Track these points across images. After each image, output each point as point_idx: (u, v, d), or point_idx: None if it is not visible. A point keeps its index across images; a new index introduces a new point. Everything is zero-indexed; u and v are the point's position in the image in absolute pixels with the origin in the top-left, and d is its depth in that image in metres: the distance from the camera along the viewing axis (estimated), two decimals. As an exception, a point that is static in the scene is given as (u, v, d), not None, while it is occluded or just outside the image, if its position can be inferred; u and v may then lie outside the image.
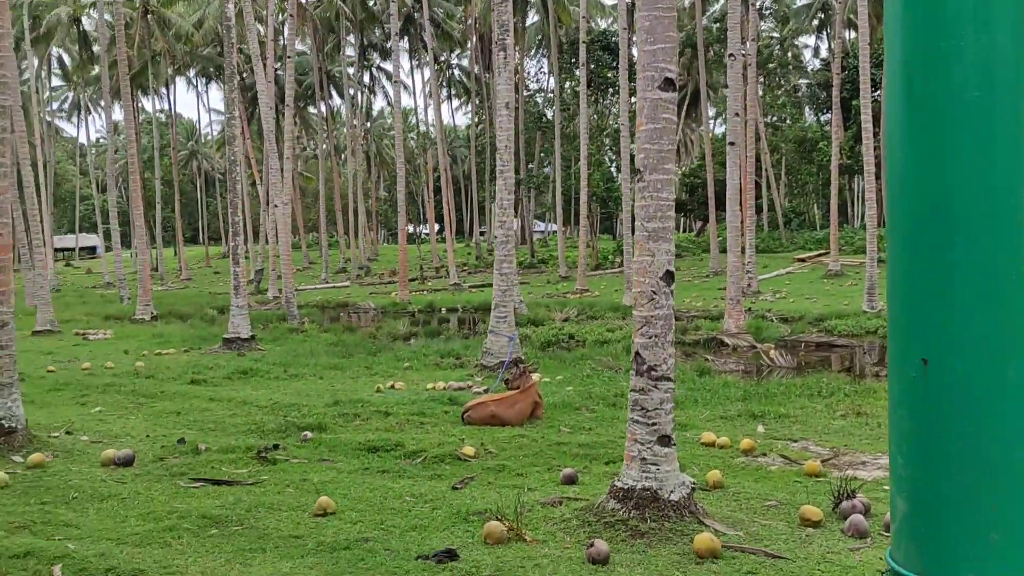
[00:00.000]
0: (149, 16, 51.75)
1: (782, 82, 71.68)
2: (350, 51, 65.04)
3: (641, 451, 6.07)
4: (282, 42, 51.39)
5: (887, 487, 7.23)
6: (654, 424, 6.07)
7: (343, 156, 76.85)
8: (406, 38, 63.90)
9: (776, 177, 70.11)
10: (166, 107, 79.08)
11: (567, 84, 49.66)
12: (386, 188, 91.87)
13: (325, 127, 67.73)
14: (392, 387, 13.12)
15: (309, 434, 9.30)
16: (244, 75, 54.68)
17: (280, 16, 49.41)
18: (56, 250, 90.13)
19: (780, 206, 52.34)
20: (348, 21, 57.55)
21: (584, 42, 36.47)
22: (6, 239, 8.42)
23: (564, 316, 25.41)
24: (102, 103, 76.21)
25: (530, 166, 57.18)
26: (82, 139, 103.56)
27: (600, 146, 51.47)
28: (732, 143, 18.80)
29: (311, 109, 72.78)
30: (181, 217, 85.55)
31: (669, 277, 6.08)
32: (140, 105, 73.97)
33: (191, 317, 26.44)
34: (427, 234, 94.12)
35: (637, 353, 6.14)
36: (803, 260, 42.47)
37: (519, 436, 9.37)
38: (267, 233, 39.32)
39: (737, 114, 18.84)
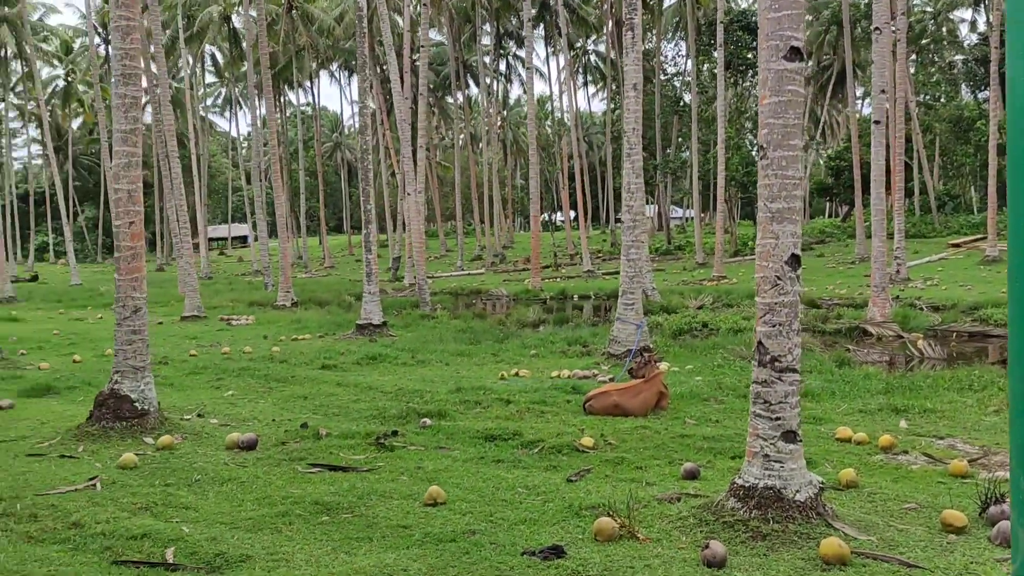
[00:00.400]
0: (294, 12, 53.37)
1: (936, 59, 67.94)
2: (486, 40, 65.39)
3: (764, 447, 5.68)
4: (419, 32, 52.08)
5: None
6: (778, 419, 5.67)
7: (480, 145, 77.60)
8: (541, 25, 63.83)
9: (929, 159, 66.71)
10: (312, 100, 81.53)
11: (705, 66, 48.42)
12: (522, 176, 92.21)
13: (462, 116, 68.46)
14: (516, 375, 13.00)
15: (428, 421, 9.24)
16: (384, 66, 55.75)
17: (416, 7, 50.05)
18: (211, 239, 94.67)
19: (932, 189, 49.60)
20: (484, 10, 57.84)
21: (722, 22, 35.42)
22: (138, 227, 8.68)
23: (698, 303, 24.78)
24: (261, 96, 79.50)
25: (668, 151, 56.15)
26: (234, 133, 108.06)
27: (739, 129, 50.02)
28: (877, 122, 17.78)
29: (449, 99, 73.53)
30: (325, 207, 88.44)
31: (795, 261, 5.66)
32: (287, 99, 76.64)
33: (329, 303, 27.10)
34: (563, 221, 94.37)
35: (760, 343, 5.75)
36: (957, 245, 40.22)
37: (641, 427, 9.06)
38: (404, 221, 39.99)
39: (883, 91, 17.78)
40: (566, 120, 58.07)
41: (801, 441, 5.78)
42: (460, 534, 5.69)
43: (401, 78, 29.98)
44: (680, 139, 58.61)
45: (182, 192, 23.89)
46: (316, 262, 63.88)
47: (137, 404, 8.65)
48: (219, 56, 68.50)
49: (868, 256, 38.90)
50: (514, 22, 64.28)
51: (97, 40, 63.62)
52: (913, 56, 65.94)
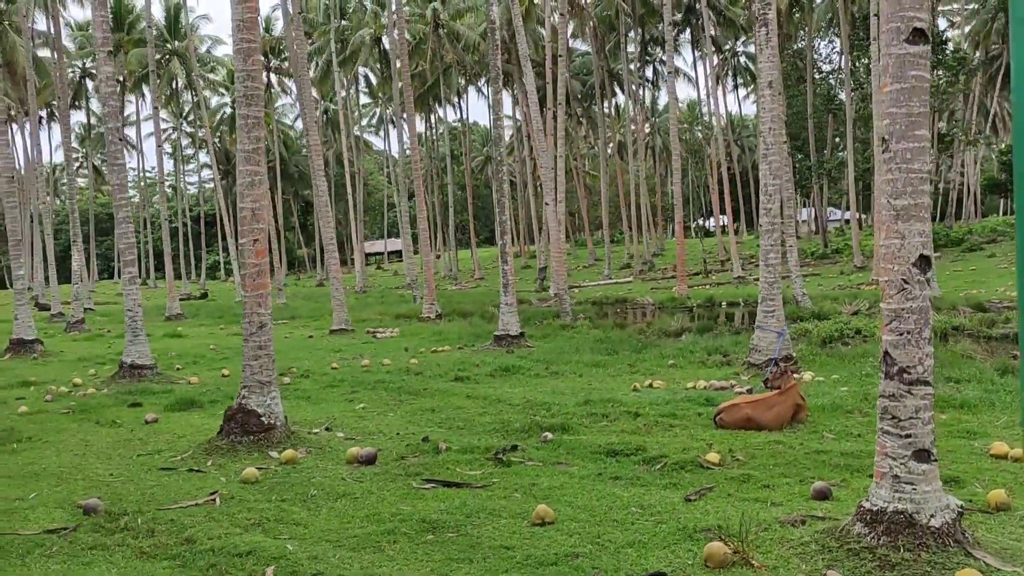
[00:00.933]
0: (440, 30, 54.46)
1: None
2: (633, 48, 64.79)
3: (893, 467, 5.19)
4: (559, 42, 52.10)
5: None
6: (908, 436, 5.16)
7: (627, 152, 76.94)
8: (688, 30, 62.80)
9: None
10: (460, 115, 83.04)
11: (861, 62, 46.35)
12: (673, 182, 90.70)
13: (608, 125, 68.10)
14: (650, 385, 12.62)
15: (550, 435, 9.03)
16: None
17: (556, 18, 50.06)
18: (368, 254, 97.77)
19: None
20: (628, 17, 57.34)
21: (875, 15, 33.73)
22: (262, 243, 8.85)
23: (853, 309, 23.60)
24: (404, 116, 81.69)
25: (823, 152, 54.05)
26: (392, 151, 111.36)
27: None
28: None
29: (596, 108, 73.21)
30: (476, 219, 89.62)
31: (924, 263, 5.15)
32: (437, 116, 78.33)
33: (472, 315, 27.31)
34: (715, 227, 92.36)
35: (886, 352, 5.26)
36: None
37: (774, 442, 8.56)
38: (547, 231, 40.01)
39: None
40: (714, 124, 56.77)
41: (936, 460, 5.25)
42: (563, 557, 5.44)
43: (547, 89, 30.01)
44: (837, 139, 56.37)
45: (329, 209, 24.59)
46: (467, 274, 64.85)
47: (264, 418, 8.81)
48: (372, 77, 70.66)
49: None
50: (660, 28, 63.46)
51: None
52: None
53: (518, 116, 64.62)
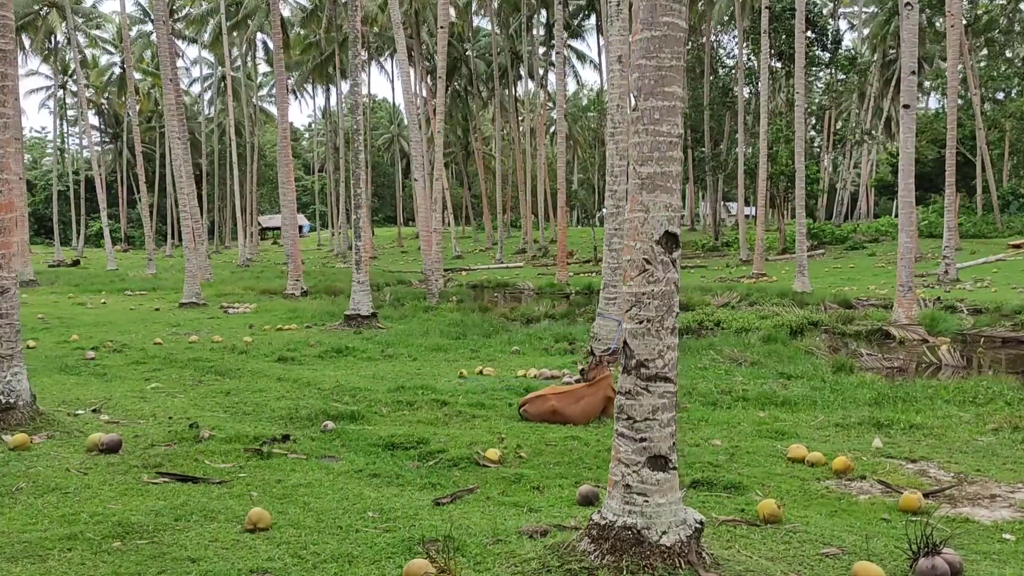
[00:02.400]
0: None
1: (1007, 53, 64.70)
2: (539, 31, 63.99)
3: (625, 475, 4.51)
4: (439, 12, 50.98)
5: (1008, 535, 5.28)
6: (643, 440, 4.48)
7: (535, 137, 76.22)
8: (593, 15, 62.31)
9: (999, 157, 63.64)
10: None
11: (754, 56, 46.58)
12: (581, 170, 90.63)
13: (517, 109, 67.35)
14: (480, 372, 11.90)
15: (331, 424, 8.19)
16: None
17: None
18: (265, 229, 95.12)
19: (993, 187, 47.12)
20: (531, -2, 56.56)
21: (767, 7, 33.71)
22: (6, 197, 7.77)
23: (723, 301, 23.36)
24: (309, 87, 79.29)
25: (720, 146, 54.26)
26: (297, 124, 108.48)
27: (791, 122, 48.05)
28: (907, 106, 16.21)
29: (508, 92, 72.26)
30: (379, 197, 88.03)
31: (670, 241, 4.47)
32: (339, 88, 76.32)
33: (340, 293, 26.22)
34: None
35: (624, 343, 4.57)
36: (1018, 246, 37.96)
37: (571, 438, 7.90)
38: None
39: (913, 72, 16.19)
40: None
41: (675, 468, 4.59)
42: (248, 572, 4.62)
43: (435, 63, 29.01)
44: (735, 133, 56.65)
45: (187, 178, 23.23)
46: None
47: (1, 397, 7.73)
48: (270, 44, 68.33)
49: (921, 255, 37.05)
50: (569, 10, 62.84)
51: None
52: (984, 51, 62.98)
53: (362, 86, 63.27)
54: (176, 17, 63.53)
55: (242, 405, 9.47)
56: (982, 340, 15.74)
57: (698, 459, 7.13)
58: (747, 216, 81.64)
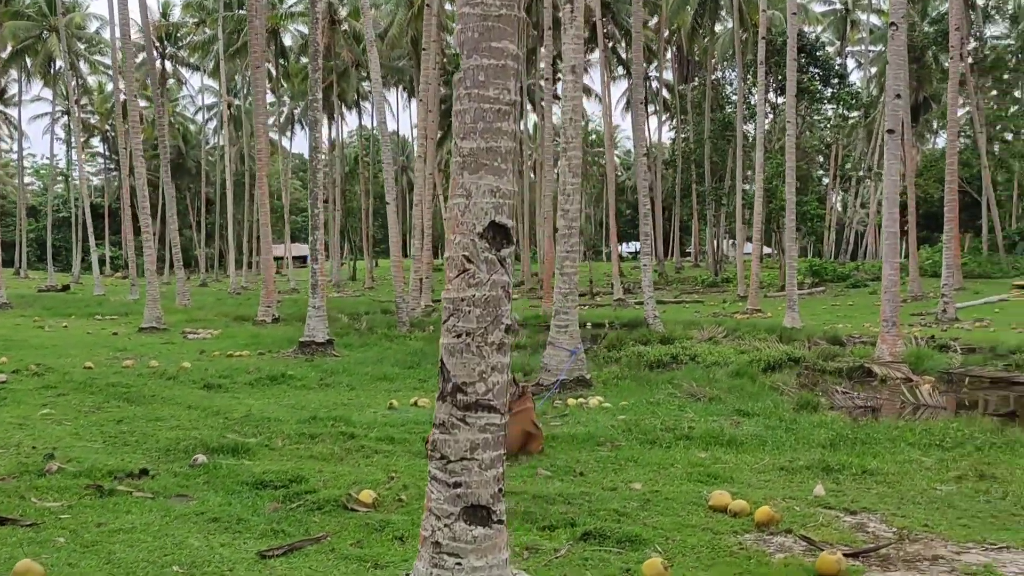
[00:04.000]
0: (336, 26, 52.42)
1: (1016, 93, 63.90)
2: (544, 64, 63.45)
3: (436, 529, 3.57)
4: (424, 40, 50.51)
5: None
6: (458, 485, 3.55)
7: (539, 170, 75.45)
8: (596, 50, 61.81)
9: (1008, 197, 62.65)
10: (361, 120, 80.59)
11: (752, 91, 45.88)
12: (588, 204, 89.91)
13: (519, 143, 66.79)
14: (414, 403, 10.96)
15: (202, 459, 7.26)
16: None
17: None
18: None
19: (1000, 228, 46.16)
20: (535, 29, 56.05)
21: (764, 38, 33.01)
22: None
23: (707, 335, 22.30)
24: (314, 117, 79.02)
25: (722, 180, 53.44)
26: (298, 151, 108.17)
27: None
28: (891, 131, 15.29)
29: (520, 126, 71.62)
30: (379, 229, 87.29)
31: (496, 234, 3.56)
32: (343, 118, 75.95)
33: (313, 321, 25.34)
34: (630, 252, 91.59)
35: (441, 363, 3.65)
36: (1022, 287, 36.88)
37: (472, 478, 6.92)
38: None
39: (898, 95, 15.29)
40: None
41: (501, 522, 3.64)
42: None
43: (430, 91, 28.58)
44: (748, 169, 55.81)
45: (144, 205, 22.56)
46: (362, 284, 62.61)
47: None
48: (273, 72, 68.13)
49: (922, 295, 36.02)
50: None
51: (154, 54, 63.85)
52: (994, 92, 62.16)
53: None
54: (180, 44, 63.39)
55: (127, 435, 8.56)
56: (967, 380, 14.70)
57: (604, 506, 6.17)
58: (749, 253, 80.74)
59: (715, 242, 55.34)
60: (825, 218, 59.54)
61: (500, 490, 3.65)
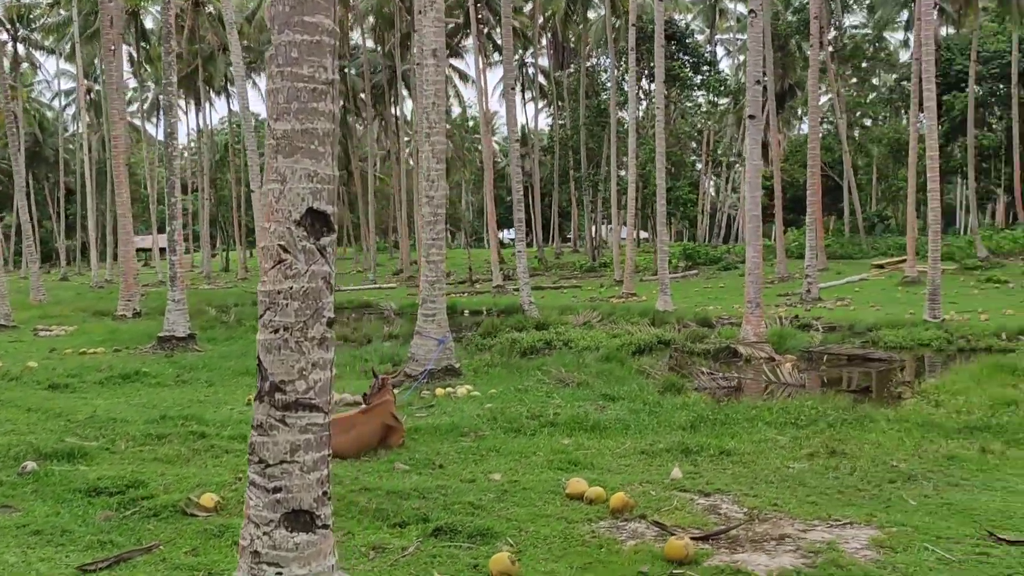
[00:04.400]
0: (199, 8, 50.65)
1: (875, 80, 66.80)
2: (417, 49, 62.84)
3: (254, 538, 3.32)
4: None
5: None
6: (278, 490, 3.32)
7: (415, 158, 74.79)
8: (471, 36, 61.48)
9: (867, 181, 65.42)
10: (230, 106, 78.22)
11: (625, 78, 46.54)
12: (469, 191, 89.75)
13: (396, 129, 65.96)
14: (276, 399, 10.55)
15: (32, 465, 6.78)
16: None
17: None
18: (139, 249, 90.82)
19: (860, 210, 48.29)
20: (407, 13, 55.39)
21: (634, 25, 33.45)
22: None
23: (582, 320, 22.47)
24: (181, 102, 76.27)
25: (604, 168, 54.07)
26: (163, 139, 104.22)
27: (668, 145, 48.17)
28: (752, 116, 15.62)
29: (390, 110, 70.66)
30: (247, 218, 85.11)
31: (316, 222, 3.34)
32: (212, 103, 73.59)
33: (179, 315, 24.39)
34: (511, 239, 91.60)
35: (259, 360, 3.40)
36: (881, 267, 38.61)
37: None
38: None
39: (758, 81, 15.65)
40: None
41: (326, 527, 3.43)
42: None
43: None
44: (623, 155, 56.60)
45: (22, 195, 21.23)
46: (235, 275, 60.91)
47: None
48: (135, 55, 65.43)
49: (788, 275, 37.27)
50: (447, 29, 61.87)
51: (5, 36, 60.45)
52: (854, 80, 64.77)
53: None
54: (33, 26, 60.17)
55: (-47, 442, 7.94)
56: (825, 358, 15.21)
57: (460, 499, 6.02)
58: (626, 238, 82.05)
59: (592, 228, 55.96)
60: (698, 203, 61.06)
61: (325, 493, 3.44)
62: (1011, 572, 4.66)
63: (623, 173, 52.42)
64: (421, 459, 7.36)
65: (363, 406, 8.18)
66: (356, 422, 7.61)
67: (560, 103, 62.85)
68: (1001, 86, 45.41)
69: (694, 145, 65.61)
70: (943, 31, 51.17)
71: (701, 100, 54.62)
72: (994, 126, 49.46)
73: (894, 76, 62.25)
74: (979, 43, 41.78)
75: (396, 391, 11.13)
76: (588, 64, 55.43)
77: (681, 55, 49.24)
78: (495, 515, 5.68)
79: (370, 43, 64.60)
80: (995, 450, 7.47)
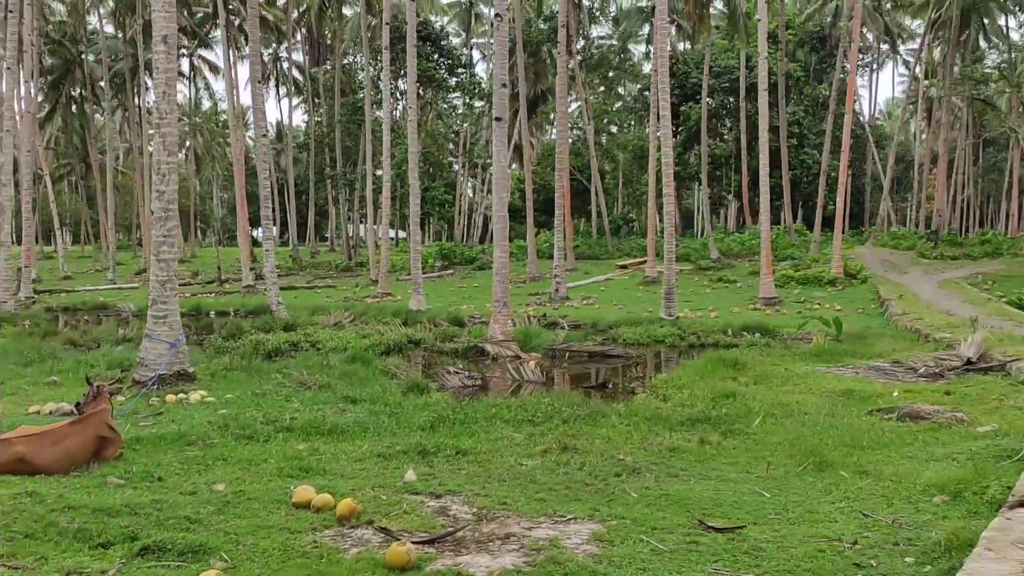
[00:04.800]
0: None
1: (621, 90, 70.44)
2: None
3: None
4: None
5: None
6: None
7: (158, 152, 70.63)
8: (220, 27, 58.93)
9: (614, 186, 68.82)
10: None
11: (381, 76, 46.35)
12: (221, 187, 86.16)
13: (139, 120, 62.08)
14: (-18, 410, 9.55)
15: None
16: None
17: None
18: None
19: (606, 213, 50.83)
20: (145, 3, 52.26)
21: (388, 24, 33.29)
22: None
23: (333, 320, 22.07)
24: None
25: (361, 166, 53.43)
26: None
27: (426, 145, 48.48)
28: (498, 118, 15.90)
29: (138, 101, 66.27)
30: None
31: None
32: None
33: None
34: (266, 238, 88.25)
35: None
36: (625, 267, 40.72)
37: (25, 495, 6.05)
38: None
39: (504, 84, 15.97)
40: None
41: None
42: None
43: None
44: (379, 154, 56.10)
45: None
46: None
47: None
48: None
49: (540, 275, 38.48)
50: (192, 18, 59.01)
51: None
52: (602, 88, 67.95)
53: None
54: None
55: None
56: (567, 355, 15.77)
57: (176, 513, 5.63)
58: (392, 238, 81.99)
59: (349, 227, 55.34)
60: (456, 203, 61.91)
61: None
62: (717, 559, 4.91)
63: (379, 172, 52.11)
64: (139, 471, 6.85)
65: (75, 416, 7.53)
66: (65, 434, 6.98)
67: (316, 100, 61.70)
68: (731, 99, 49.03)
69: (451, 146, 66.51)
70: (680, 46, 54.75)
71: (457, 102, 55.45)
72: (725, 136, 53.32)
73: (638, 86, 65.88)
74: (712, 58, 44.87)
75: (121, 399, 10.41)
76: (344, 61, 54.82)
77: (437, 57, 49.74)
78: (213, 529, 5.35)
79: (112, 29, 60.72)
80: (713, 441, 7.93)
